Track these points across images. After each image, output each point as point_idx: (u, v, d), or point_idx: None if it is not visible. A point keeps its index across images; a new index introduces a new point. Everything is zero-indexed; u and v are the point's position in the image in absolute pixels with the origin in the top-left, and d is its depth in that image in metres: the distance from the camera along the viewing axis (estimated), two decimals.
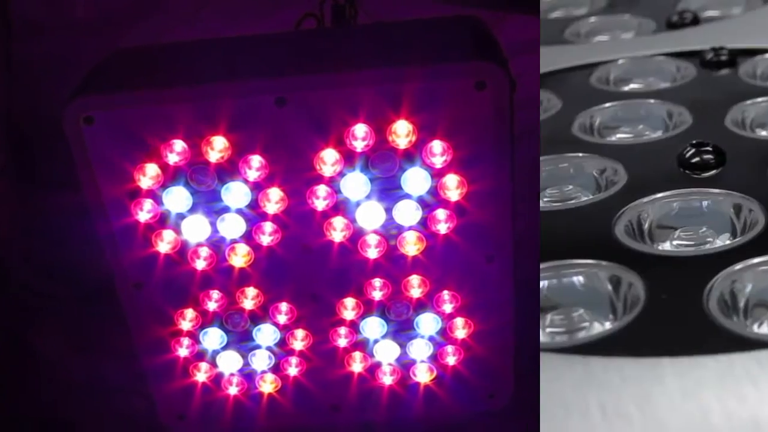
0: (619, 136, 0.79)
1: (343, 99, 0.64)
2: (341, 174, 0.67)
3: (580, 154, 0.74)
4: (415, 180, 0.67)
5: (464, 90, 0.63)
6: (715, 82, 0.86)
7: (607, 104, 0.82)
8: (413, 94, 0.63)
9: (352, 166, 0.66)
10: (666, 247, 0.63)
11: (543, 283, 0.60)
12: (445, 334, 0.75)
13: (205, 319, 0.74)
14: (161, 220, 0.69)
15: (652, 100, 0.82)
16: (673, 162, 0.70)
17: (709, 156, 0.69)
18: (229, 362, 0.76)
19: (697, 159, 0.70)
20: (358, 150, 0.66)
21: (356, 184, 0.67)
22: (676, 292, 0.57)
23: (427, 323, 0.74)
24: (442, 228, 0.69)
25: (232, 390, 0.77)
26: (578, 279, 0.60)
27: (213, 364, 0.76)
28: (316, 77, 0.65)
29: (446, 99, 0.64)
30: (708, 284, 0.57)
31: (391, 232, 0.70)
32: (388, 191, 0.67)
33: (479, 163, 0.66)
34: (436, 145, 0.65)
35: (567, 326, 0.58)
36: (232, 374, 0.77)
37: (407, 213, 0.68)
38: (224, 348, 0.75)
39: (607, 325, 0.57)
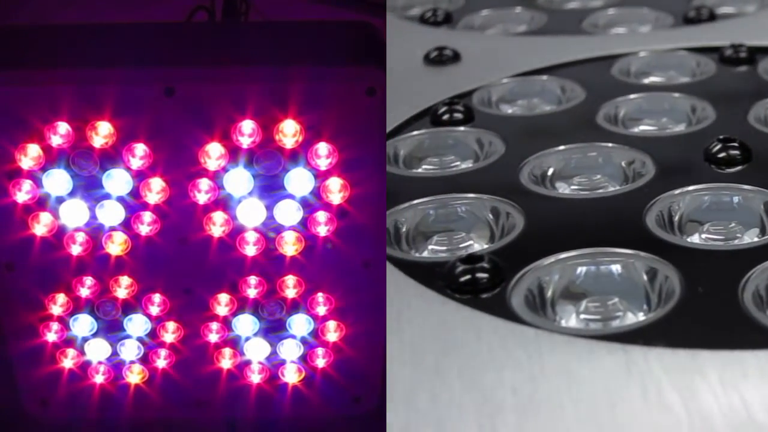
0: (642, 127, 0.79)
1: (232, 94, 0.64)
2: (225, 169, 0.67)
3: (610, 144, 0.74)
4: (299, 180, 0.67)
5: (355, 94, 0.64)
6: (735, 78, 0.87)
7: (632, 96, 0.83)
8: (303, 94, 0.64)
9: (236, 162, 0.66)
10: (695, 240, 0.64)
11: (580, 269, 0.60)
12: (316, 336, 0.75)
13: (77, 306, 0.73)
14: (39, 202, 0.68)
15: (676, 94, 0.83)
16: (699, 156, 0.71)
17: (736, 151, 0.70)
18: (98, 350, 0.75)
19: (723, 154, 0.70)
20: (244, 146, 0.66)
21: (239, 180, 0.67)
22: (712, 286, 0.57)
23: (300, 324, 0.75)
24: (322, 230, 0.69)
25: (99, 378, 0.76)
26: (615, 268, 0.60)
27: (81, 351, 0.75)
28: (206, 70, 0.65)
29: (336, 102, 0.64)
30: (743, 279, 0.57)
31: (269, 234, 0.70)
32: (271, 190, 0.68)
33: (363, 168, 0.67)
34: (322, 147, 0.66)
35: (602, 314, 0.58)
36: (99, 362, 0.76)
37: (288, 213, 0.69)
38: (94, 335, 0.74)
39: (641, 316, 0.57)
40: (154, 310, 0.73)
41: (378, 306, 0.71)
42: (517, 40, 1.02)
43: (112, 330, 0.74)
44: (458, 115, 0.81)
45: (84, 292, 0.72)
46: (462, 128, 0.80)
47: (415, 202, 0.69)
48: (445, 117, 0.81)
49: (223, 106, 0.64)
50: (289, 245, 0.70)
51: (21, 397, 0.76)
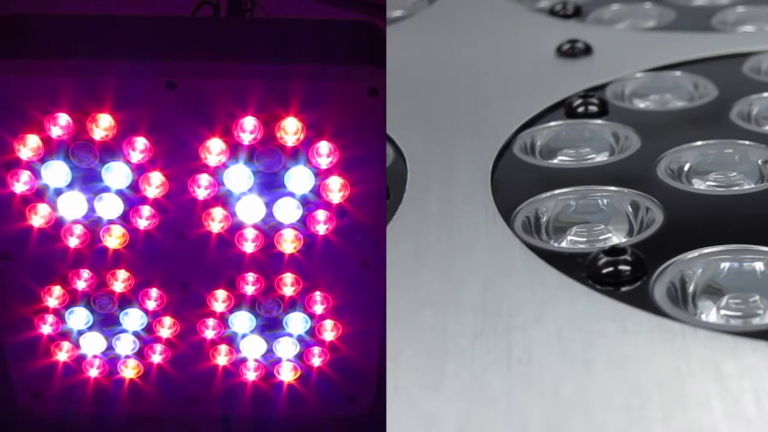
0: None
1: (234, 90, 0.64)
2: (225, 165, 0.67)
3: (746, 142, 0.74)
4: (299, 178, 0.67)
5: (357, 94, 0.64)
6: None
7: (765, 94, 0.82)
8: (305, 92, 0.63)
9: (236, 158, 0.66)
10: None
11: (723, 265, 0.60)
12: (313, 335, 0.75)
13: (73, 298, 0.72)
14: (38, 194, 0.67)
15: None
16: None
17: None
18: (93, 344, 0.75)
19: None
20: (245, 143, 0.66)
21: (239, 177, 0.67)
22: None
23: (296, 322, 0.74)
24: (321, 229, 0.69)
25: (93, 372, 0.76)
26: (758, 266, 0.60)
27: (76, 344, 0.75)
28: (209, 65, 0.64)
29: (338, 101, 0.64)
30: None
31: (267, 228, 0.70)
32: (271, 187, 0.67)
33: (363, 167, 0.66)
34: (323, 146, 0.66)
35: (743, 311, 0.57)
36: (94, 356, 0.75)
37: (288, 210, 0.68)
38: (89, 329, 0.74)
39: None
40: (151, 305, 0.73)
41: (375, 306, 0.71)
42: (647, 35, 1.03)
43: (107, 324, 0.74)
44: (593, 108, 0.82)
45: (80, 285, 0.72)
46: (598, 121, 0.80)
47: (557, 192, 0.69)
48: (580, 110, 0.81)
49: (225, 102, 0.64)
50: (288, 243, 0.70)
51: (14, 390, 0.76)
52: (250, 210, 0.68)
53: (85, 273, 0.71)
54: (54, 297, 0.72)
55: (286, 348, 0.76)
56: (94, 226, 0.69)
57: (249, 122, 0.65)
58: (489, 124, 0.79)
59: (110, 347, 0.75)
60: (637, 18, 1.08)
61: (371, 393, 0.76)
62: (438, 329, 0.55)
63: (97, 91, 0.63)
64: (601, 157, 0.76)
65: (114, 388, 0.76)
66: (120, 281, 0.72)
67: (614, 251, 0.59)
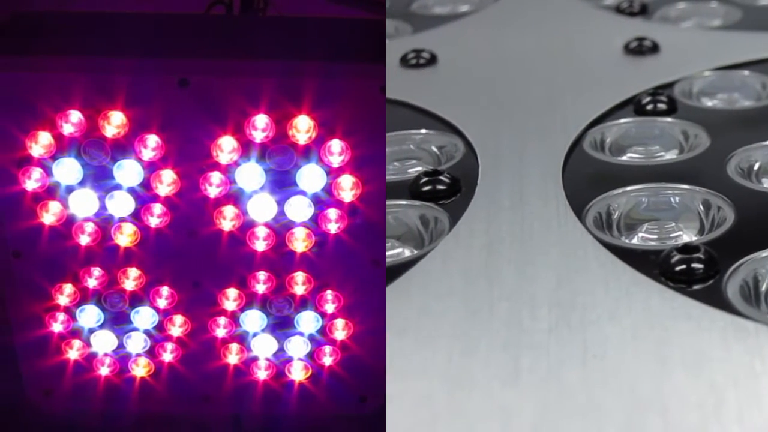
0: None
1: (246, 88, 0.64)
2: (237, 163, 0.66)
3: None
4: (311, 177, 0.67)
5: (369, 92, 0.64)
6: None
7: None
8: (318, 90, 0.63)
9: (248, 156, 0.66)
10: None
11: None
12: (324, 334, 0.75)
13: (84, 296, 0.72)
14: (49, 191, 0.67)
15: None
16: None
17: None
18: (104, 342, 0.75)
19: None
20: (257, 141, 0.65)
21: (251, 175, 0.67)
22: None
23: (308, 321, 0.74)
24: (333, 227, 0.69)
25: (104, 370, 0.76)
26: None
27: (87, 342, 0.75)
28: (221, 63, 0.64)
29: (350, 99, 0.64)
30: None
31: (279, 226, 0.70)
32: (283, 185, 0.67)
33: (374, 165, 0.66)
34: (335, 144, 0.66)
35: None
36: (105, 354, 0.75)
37: (299, 209, 0.68)
38: (100, 327, 0.74)
39: None
40: (162, 303, 0.73)
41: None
42: (713, 33, 1.01)
43: (118, 322, 0.74)
44: (662, 106, 0.81)
45: (91, 282, 0.72)
46: (667, 119, 0.80)
47: (628, 188, 0.69)
48: (649, 107, 0.81)
49: (237, 100, 0.64)
50: (300, 242, 0.70)
51: (25, 387, 0.76)
52: (262, 208, 0.68)
53: (96, 271, 0.71)
54: (65, 295, 0.72)
55: (297, 347, 0.75)
56: (105, 223, 0.69)
57: (261, 120, 0.65)
58: (558, 120, 0.79)
59: (121, 345, 0.75)
60: (703, 16, 1.07)
61: (383, 392, 0.76)
62: (513, 323, 0.55)
63: (109, 88, 0.63)
64: (671, 155, 0.75)
65: (125, 387, 0.76)
66: (131, 279, 0.72)
67: (687, 249, 0.59)
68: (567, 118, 0.79)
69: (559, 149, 0.73)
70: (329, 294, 0.73)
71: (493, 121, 0.79)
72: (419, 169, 0.72)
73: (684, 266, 0.59)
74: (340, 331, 0.74)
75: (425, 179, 0.68)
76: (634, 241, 0.65)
